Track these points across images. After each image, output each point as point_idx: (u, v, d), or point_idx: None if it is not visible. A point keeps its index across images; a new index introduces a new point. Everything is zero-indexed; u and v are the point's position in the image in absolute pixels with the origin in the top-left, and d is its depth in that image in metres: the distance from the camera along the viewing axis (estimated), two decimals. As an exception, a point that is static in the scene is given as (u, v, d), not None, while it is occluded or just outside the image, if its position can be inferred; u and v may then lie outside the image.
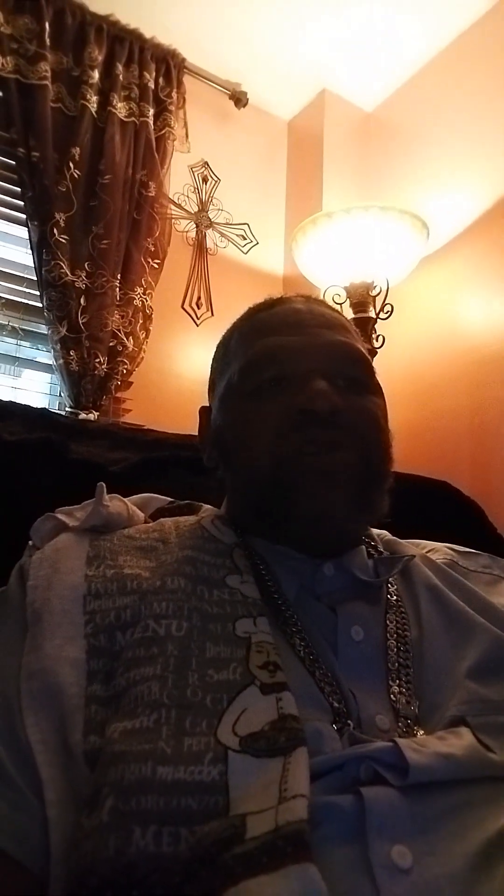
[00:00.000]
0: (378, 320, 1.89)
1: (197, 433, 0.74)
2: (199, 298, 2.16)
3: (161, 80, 2.08)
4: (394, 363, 1.96)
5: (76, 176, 1.83)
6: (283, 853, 0.34)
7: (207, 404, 0.73)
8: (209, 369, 0.73)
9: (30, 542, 0.61)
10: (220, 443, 0.66)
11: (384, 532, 0.70)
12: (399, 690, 0.50)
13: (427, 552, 0.69)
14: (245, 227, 2.30)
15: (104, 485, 0.63)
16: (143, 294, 1.93)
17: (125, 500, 0.66)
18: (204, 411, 0.73)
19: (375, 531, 0.69)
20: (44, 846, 0.40)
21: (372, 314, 1.88)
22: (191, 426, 0.76)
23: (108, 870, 0.35)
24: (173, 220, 2.12)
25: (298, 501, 0.55)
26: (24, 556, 0.60)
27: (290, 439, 0.56)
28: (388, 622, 0.56)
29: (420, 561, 0.64)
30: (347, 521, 0.57)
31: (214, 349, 0.73)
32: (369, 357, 0.65)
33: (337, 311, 0.71)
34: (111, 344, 1.84)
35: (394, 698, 0.50)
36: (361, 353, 0.64)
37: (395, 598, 0.59)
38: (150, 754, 0.39)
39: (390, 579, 0.60)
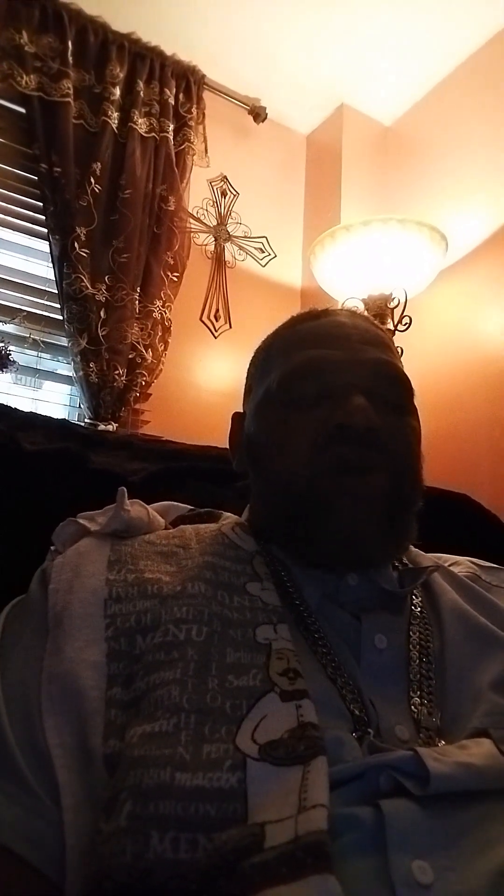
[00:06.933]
0: (396, 332, 1.88)
1: (220, 441, 0.73)
2: (217, 311, 2.17)
3: (181, 95, 2.11)
4: (412, 375, 1.89)
5: (97, 191, 1.86)
6: (302, 864, 0.33)
7: (235, 412, 0.73)
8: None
9: (52, 547, 0.62)
10: (252, 449, 0.65)
11: None
12: (420, 702, 0.50)
13: (449, 565, 0.68)
14: (263, 240, 2.32)
15: (125, 489, 0.63)
16: (163, 307, 1.95)
17: (146, 505, 0.66)
18: (237, 417, 0.72)
19: None
20: (60, 851, 0.40)
21: (390, 326, 1.88)
22: (209, 437, 0.76)
23: (124, 875, 0.35)
24: (192, 234, 2.14)
25: (328, 521, 0.54)
26: (46, 560, 0.60)
27: (326, 454, 0.55)
28: (411, 633, 0.56)
29: (442, 574, 0.64)
30: (374, 547, 0.55)
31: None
32: (408, 377, 0.64)
33: (380, 327, 0.69)
34: (130, 356, 1.86)
35: (415, 710, 0.49)
36: (402, 374, 0.63)
37: (419, 609, 0.58)
38: (169, 760, 0.39)
39: (414, 591, 0.60)
